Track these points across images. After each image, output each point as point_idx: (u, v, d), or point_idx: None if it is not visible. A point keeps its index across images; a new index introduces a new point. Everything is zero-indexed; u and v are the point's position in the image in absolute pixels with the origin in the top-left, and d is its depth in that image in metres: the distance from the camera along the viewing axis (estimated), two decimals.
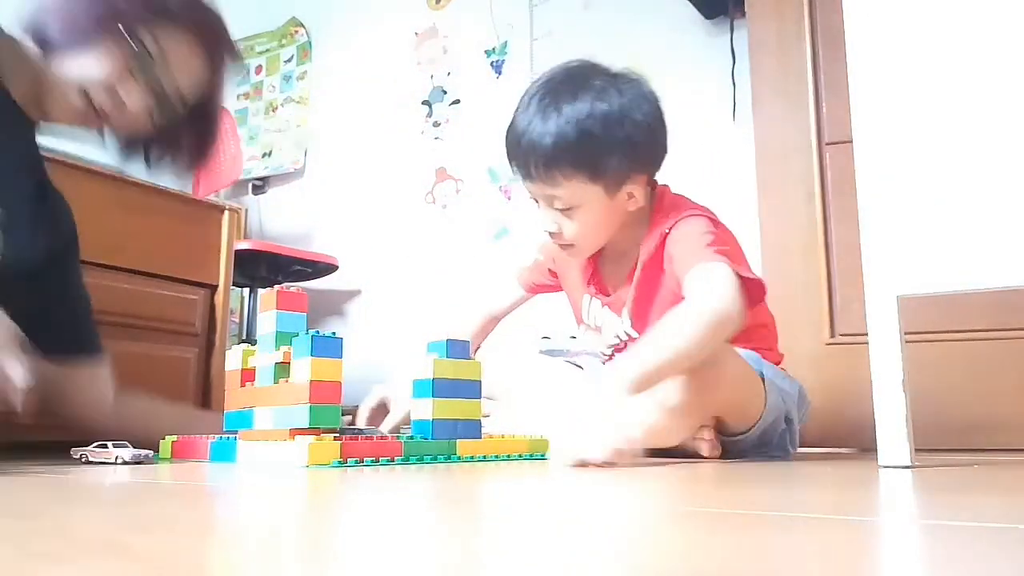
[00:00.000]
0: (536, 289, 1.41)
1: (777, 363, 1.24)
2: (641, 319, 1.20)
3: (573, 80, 1.12)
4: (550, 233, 1.18)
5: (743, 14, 1.88)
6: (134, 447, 0.98)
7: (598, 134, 1.09)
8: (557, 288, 1.38)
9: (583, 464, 0.86)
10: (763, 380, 1.12)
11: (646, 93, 1.14)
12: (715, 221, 1.16)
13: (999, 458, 1.20)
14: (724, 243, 1.10)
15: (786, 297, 1.63)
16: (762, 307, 1.22)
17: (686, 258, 1.08)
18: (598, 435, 0.87)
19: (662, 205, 1.19)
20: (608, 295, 1.26)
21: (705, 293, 1.02)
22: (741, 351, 1.13)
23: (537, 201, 1.17)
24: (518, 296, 1.42)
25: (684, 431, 1.08)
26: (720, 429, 1.13)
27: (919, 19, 0.96)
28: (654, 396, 1.00)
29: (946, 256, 0.91)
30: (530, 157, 1.11)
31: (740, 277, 1.02)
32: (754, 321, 1.20)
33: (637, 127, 1.11)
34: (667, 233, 1.14)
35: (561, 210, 1.15)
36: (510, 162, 1.17)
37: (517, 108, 1.15)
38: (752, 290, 1.05)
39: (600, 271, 1.28)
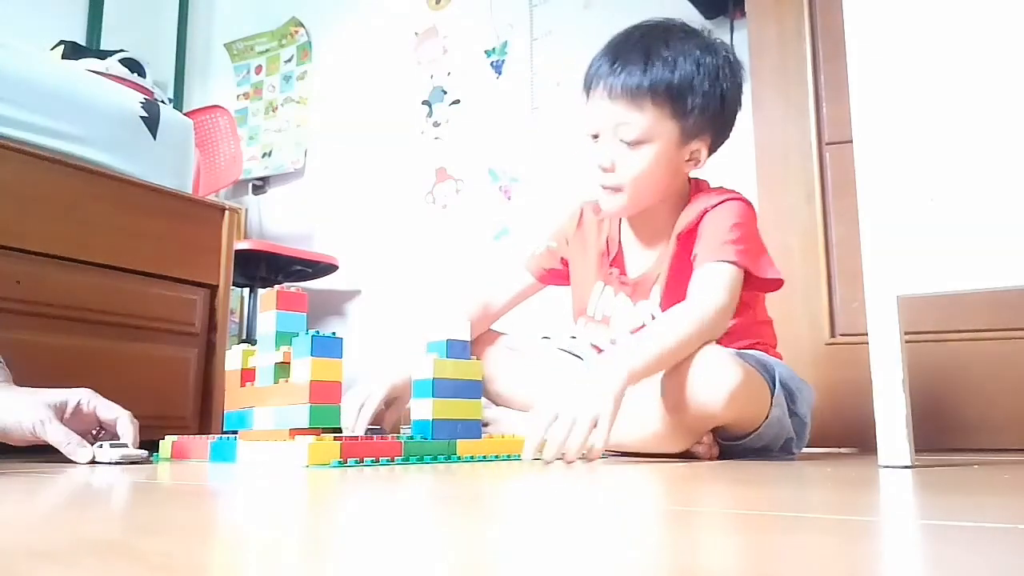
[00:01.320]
0: (546, 277, 1.34)
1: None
2: (672, 297, 1.16)
3: (682, 28, 1.16)
4: (602, 168, 1.15)
5: (743, 14, 1.88)
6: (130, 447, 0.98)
7: (698, 78, 1.12)
8: (567, 279, 1.33)
9: (561, 459, 0.91)
10: (771, 388, 1.09)
11: (741, 70, 1.19)
12: (751, 209, 1.18)
13: (999, 458, 1.20)
14: (748, 239, 1.12)
15: (786, 297, 1.62)
16: (762, 306, 1.23)
17: (704, 250, 1.12)
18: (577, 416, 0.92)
19: (700, 187, 1.23)
20: (631, 278, 1.24)
21: (700, 300, 1.07)
22: (752, 352, 1.13)
23: (596, 136, 1.15)
24: (526, 284, 1.35)
25: (685, 444, 1.08)
26: (720, 433, 1.13)
27: (919, 19, 0.96)
28: (657, 408, 1.03)
29: (946, 256, 0.91)
30: (620, 77, 1.12)
31: (749, 275, 1.11)
32: (758, 318, 1.21)
33: (732, 89, 1.16)
34: (708, 210, 1.15)
35: (628, 143, 1.13)
36: (588, 83, 1.16)
37: (612, 39, 1.16)
38: (766, 285, 1.15)
39: (624, 252, 1.26)
